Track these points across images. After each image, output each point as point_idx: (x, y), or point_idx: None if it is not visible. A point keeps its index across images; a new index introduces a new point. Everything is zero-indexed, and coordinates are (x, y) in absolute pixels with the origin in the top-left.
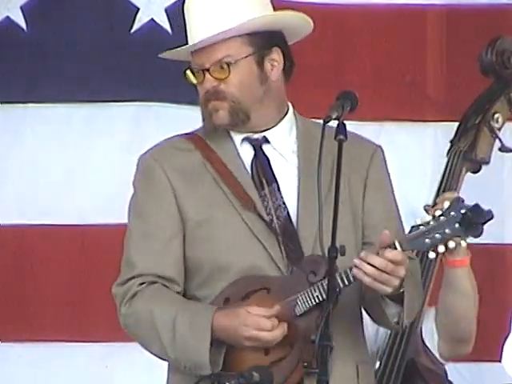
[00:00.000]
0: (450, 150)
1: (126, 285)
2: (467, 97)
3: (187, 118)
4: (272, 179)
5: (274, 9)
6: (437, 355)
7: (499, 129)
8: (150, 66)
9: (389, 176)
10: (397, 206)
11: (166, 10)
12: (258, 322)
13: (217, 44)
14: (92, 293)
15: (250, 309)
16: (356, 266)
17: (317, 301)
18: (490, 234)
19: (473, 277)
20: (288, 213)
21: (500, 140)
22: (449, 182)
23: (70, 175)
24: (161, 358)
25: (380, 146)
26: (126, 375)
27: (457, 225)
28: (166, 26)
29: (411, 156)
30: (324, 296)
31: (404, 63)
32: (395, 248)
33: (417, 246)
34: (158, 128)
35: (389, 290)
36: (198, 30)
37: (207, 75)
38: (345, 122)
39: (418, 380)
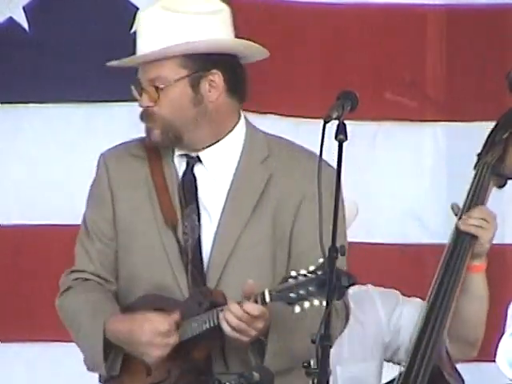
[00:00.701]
0: (477, 163)
1: (67, 277)
2: (467, 96)
3: None
4: (192, 200)
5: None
6: None
7: None
8: None
9: (332, 197)
10: (338, 231)
11: None
12: (155, 326)
13: (151, 63)
14: None
15: (147, 314)
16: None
17: (194, 333)
18: None
19: (486, 281)
20: (199, 237)
21: None
22: (476, 194)
23: (70, 175)
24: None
25: (329, 167)
26: None
27: (320, 285)
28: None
29: (410, 156)
30: (201, 329)
31: (404, 63)
32: (263, 296)
33: (283, 298)
34: None
35: (245, 339)
36: (139, 44)
37: (143, 93)
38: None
39: None
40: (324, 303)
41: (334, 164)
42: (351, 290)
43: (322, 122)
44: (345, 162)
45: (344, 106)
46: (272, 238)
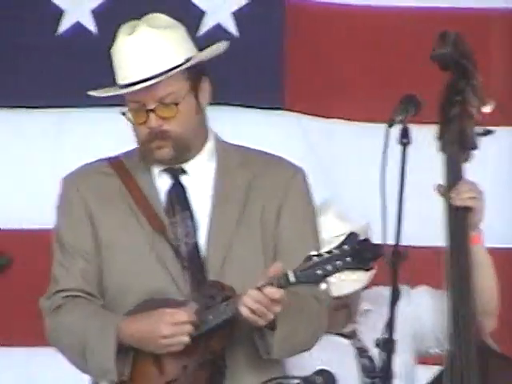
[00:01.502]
0: (442, 145)
1: (51, 298)
2: None
3: None
4: (185, 207)
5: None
6: None
7: (475, 115)
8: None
9: (310, 200)
10: (316, 233)
11: (233, 14)
12: (173, 316)
13: (159, 82)
14: None
15: (165, 309)
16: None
17: (211, 325)
18: None
19: (486, 250)
20: (196, 240)
21: (479, 126)
22: (455, 172)
23: None
24: (82, 371)
25: (301, 170)
26: None
27: (348, 258)
28: (233, 30)
29: (473, 160)
30: (218, 321)
31: None
32: (287, 277)
33: (309, 276)
34: None
35: (262, 322)
36: (137, 68)
37: (151, 115)
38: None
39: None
40: (354, 276)
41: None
42: (365, 293)
43: (385, 125)
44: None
45: (407, 109)
46: (261, 234)
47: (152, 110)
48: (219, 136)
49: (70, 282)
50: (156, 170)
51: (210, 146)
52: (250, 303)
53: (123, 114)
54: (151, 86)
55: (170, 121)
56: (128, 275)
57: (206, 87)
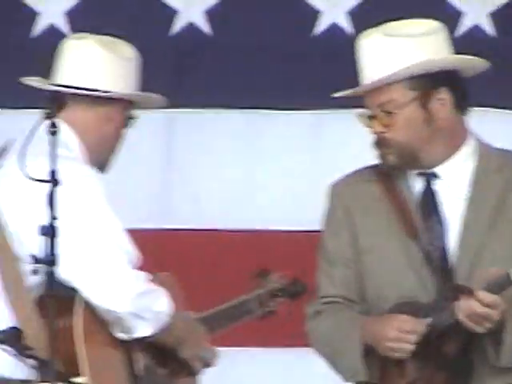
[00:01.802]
0: None
1: (313, 304)
2: None
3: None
4: (435, 212)
5: None
6: None
7: None
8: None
9: None
10: None
11: (490, 14)
12: (401, 322)
13: (381, 89)
14: None
15: (399, 315)
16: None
17: (442, 327)
18: None
19: None
20: (446, 245)
21: None
22: None
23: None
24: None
25: None
26: None
27: None
28: (490, 30)
29: None
30: (447, 323)
31: None
32: (508, 277)
33: None
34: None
35: (480, 330)
36: (366, 72)
37: (374, 121)
38: None
39: None
40: None
41: None
42: None
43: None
44: None
45: None
46: None
47: (374, 116)
48: (479, 137)
49: (330, 288)
50: (411, 174)
51: (467, 149)
52: (464, 308)
53: (362, 116)
54: (373, 92)
55: (390, 128)
56: (385, 283)
57: (441, 97)
